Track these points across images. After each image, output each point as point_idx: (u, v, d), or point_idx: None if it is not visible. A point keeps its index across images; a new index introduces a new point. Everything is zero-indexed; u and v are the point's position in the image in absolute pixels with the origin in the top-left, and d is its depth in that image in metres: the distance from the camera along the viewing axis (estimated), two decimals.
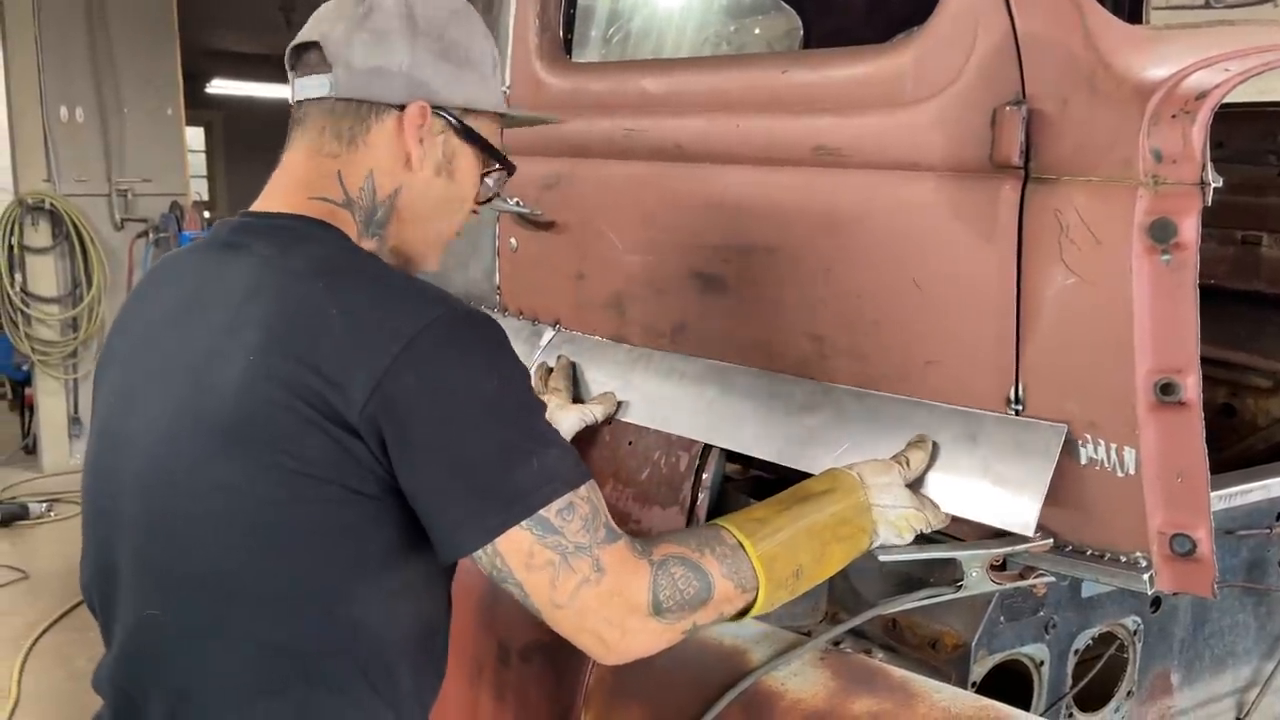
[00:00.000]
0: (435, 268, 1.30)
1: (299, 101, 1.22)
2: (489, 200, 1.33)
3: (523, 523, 1.04)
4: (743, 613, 1.18)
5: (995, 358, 1.26)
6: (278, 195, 1.21)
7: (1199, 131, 1.11)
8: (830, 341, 1.43)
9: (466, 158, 1.25)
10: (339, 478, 1.05)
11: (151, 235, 6.35)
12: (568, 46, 1.96)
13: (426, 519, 1.07)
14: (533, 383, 1.79)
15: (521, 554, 1.05)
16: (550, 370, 1.79)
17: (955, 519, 1.28)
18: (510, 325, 1.97)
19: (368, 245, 1.21)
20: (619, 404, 1.67)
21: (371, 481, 1.06)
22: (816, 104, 1.41)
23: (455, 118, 1.22)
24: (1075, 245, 1.18)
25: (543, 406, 1.16)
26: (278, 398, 1.05)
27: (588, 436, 1.67)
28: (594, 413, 1.66)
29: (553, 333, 1.88)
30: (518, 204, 1.89)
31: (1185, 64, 1.15)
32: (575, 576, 1.06)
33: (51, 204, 6.04)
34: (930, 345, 1.33)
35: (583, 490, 1.08)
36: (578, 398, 1.75)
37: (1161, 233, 1.13)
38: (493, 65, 1.27)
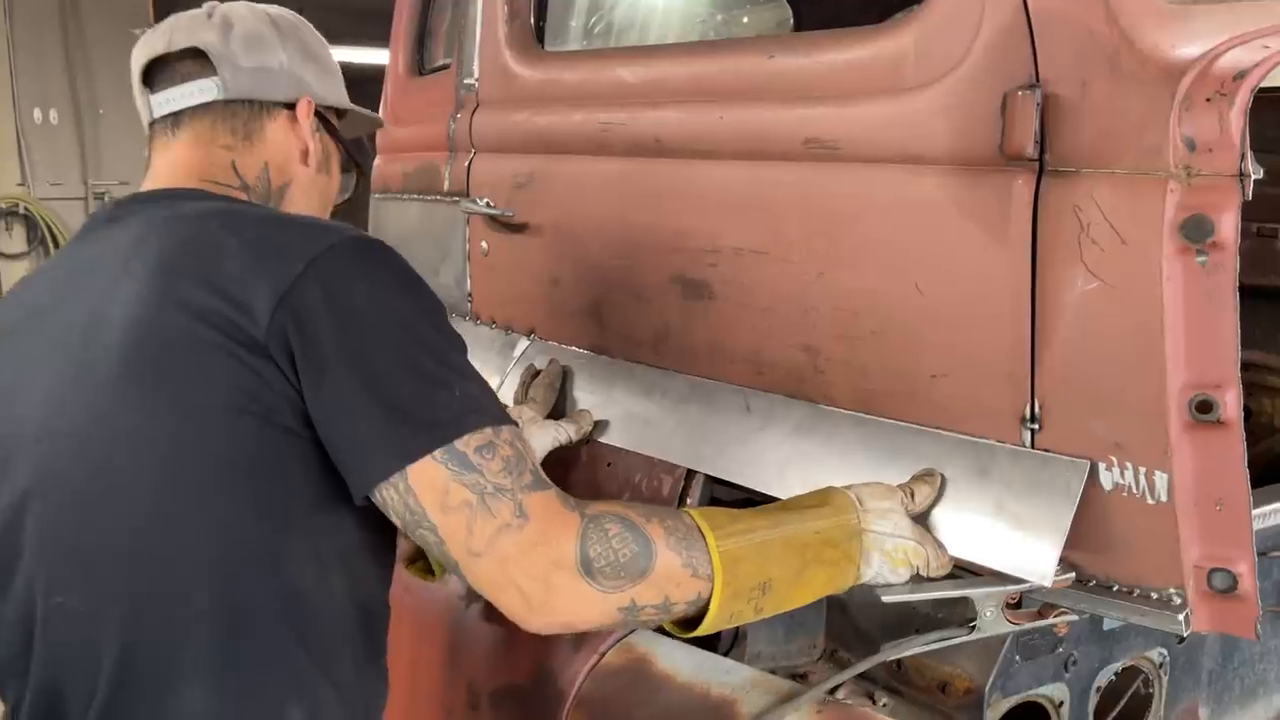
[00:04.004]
0: None
1: (171, 114, 1.21)
2: (344, 201, 1.38)
3: (436, 454, 0.96)
4: (693, 622, 1.05)
5: (1008, 371, 1.14)
6: (164, 180, 1.19)
7: (1237, 116, 0.99)
8: (825, 353, 1.30)
9: (336, 155, 1.31)
10: (251, 407, 0.98)
11: None
12: (540, 35, 1.83)
13: (336, 446, 0.99)
14: (512, 389, 1.67)
15: (436, 491, 0.97)
16: (536, 374, 1.65)
17: (961, 563, 1.15)
18: (482, 334, 1.85)
19: None
20: (596, 423, 1.54)
21: (286, 410, 0.99)
22: (807, 92, 1.29)
23: (327, 117, 1.28)
24: (1097, 245, 1.06)
25: (463, 343, 1.07)
26: (175, 322, 0.99)
27: (563, 457, 1.54)
28: (568, 432, 1.53)
29: (527, 343, 1.75)
30: (488, 205, 1.76)
31: (1219, 41, 1.04)
32: (494, 521, 0.97)
33: (26, 208, 5.91)
34: (936, 357, 1.20)
35: (505, 433, 1.01)
36: (560, 412, 1.61)
37: (1196, 231, 1.00)
38: (338, 67, 1.33)
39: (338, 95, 1.31)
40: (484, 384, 1.04)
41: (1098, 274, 1.06)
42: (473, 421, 0.98)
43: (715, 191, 1.41)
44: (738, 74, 1.38)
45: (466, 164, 1.84)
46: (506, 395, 1.69)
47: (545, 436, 1.52)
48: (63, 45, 5.93)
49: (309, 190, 1.27)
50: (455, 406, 0.99)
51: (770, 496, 1.30)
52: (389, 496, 0.98)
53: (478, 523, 0.96)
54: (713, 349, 1.44)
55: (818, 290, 1.30)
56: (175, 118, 1.20)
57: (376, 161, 2.22)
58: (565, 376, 1.63)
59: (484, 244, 1.82)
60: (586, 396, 1.60)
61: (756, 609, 1.07)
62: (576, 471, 1.54)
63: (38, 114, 5.91)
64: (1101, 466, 1.09)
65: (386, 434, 0.97)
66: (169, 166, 1.20)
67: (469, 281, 1.88)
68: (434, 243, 1.98)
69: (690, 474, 1.41)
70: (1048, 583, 1.09)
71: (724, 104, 1.38)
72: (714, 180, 1.41)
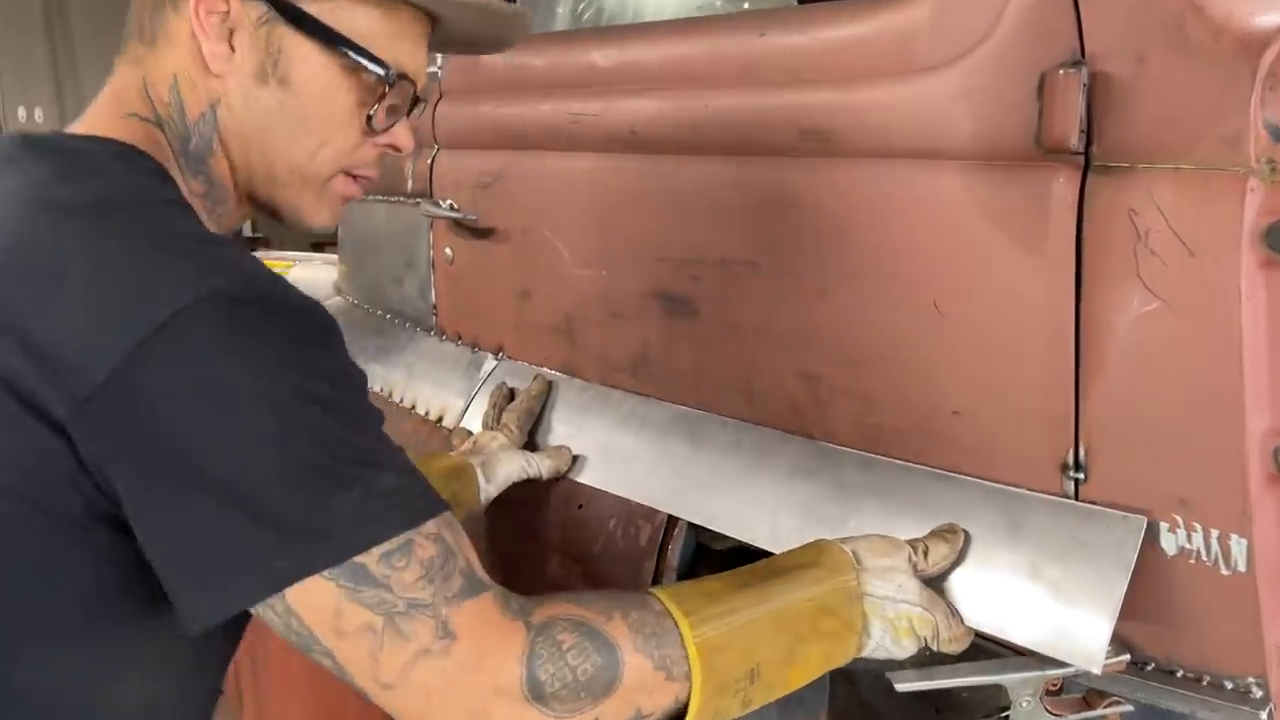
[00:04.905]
0: (322, 223, 0.96)
1: None
2: (386, 126, 0.94)
3: (326, 572, 0.73)
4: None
5: (1047, 408, 0.94)
6: (91, 116, 0.91)
7: None
8: (827, 382, 1.11)
9: (310, 57, 0.89)
10: (22, 489, 0.75)
11: None
12: None
13: (167, 564, 0.75)
14: (483, 410, 1.48)
15: (325, 613, 0.74)
16: (512, 394, 1.46)
17: (984, 636, 0.96)
18: (447, 351, 1.66)
19: (194, 188, 0.91)
20: (574, 459, 1.35)
21: (75, 502, 0.75)
22: (804, 75, 1.10)
23: (300, 8, 0.88)
24: (1158, 258, 0.86)
25: (379, 417, 0.82)
26: None
27: (529, 494, 1.35)
28: (540, 466, 1.34)
29: (494, 362, 1.56)
30: (450, 207, 1.57)
31: None
32: (408, 646, 0.75)
33: None
34: (958, 390, 1.01)
35: (429, 527, 0.77)
36: (533, 444, 1.42)
37: None
38: None
39: None
40: (401, 467, 0.79)
41: (1158, 293, 0.87)
42: (376, 530, 0.75)
43: (698, 191, 1.22)
44: (723, 55, 1.18)
45: (429, 161, 1.65)
46: (474, 420, 1.50)
47: (512, 464, 1.33)
48: (48, 43, 5.77)
49: (248, 111, 0.90)
50: (359, 509, 0.75)
51: (762, 550, 1.11)
52: (265, 615, 0.76)
53: (385, 650, 0.75)
54: (698, 375, 1.25)
55: (818, 308, 1.11)
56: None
57: None
58: (551, 392, 1.44)
59: (448, 250, 1.64)
60: (558, 425, 1.41)
61: (745, 702, 0.87)
62: (544, 513, 1.35)
63: (22, 113, 5.74)
64: (1163, 527, 0.89)
65: (250, 551, 0.73)
66: (103, 94, 0.92)
67: (433, 292, 1.69)
68: (398, 248, 1.79)
69: (672, 520, 1.22)
70: (1097, 668, 0.90)
71: (708, 90, 1.18)
72: (697, 178, 1.22)
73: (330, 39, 0.89)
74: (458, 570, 0.77)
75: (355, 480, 0.75)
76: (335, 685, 0.79)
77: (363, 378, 0.82)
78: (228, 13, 0.88)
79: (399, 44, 0.92)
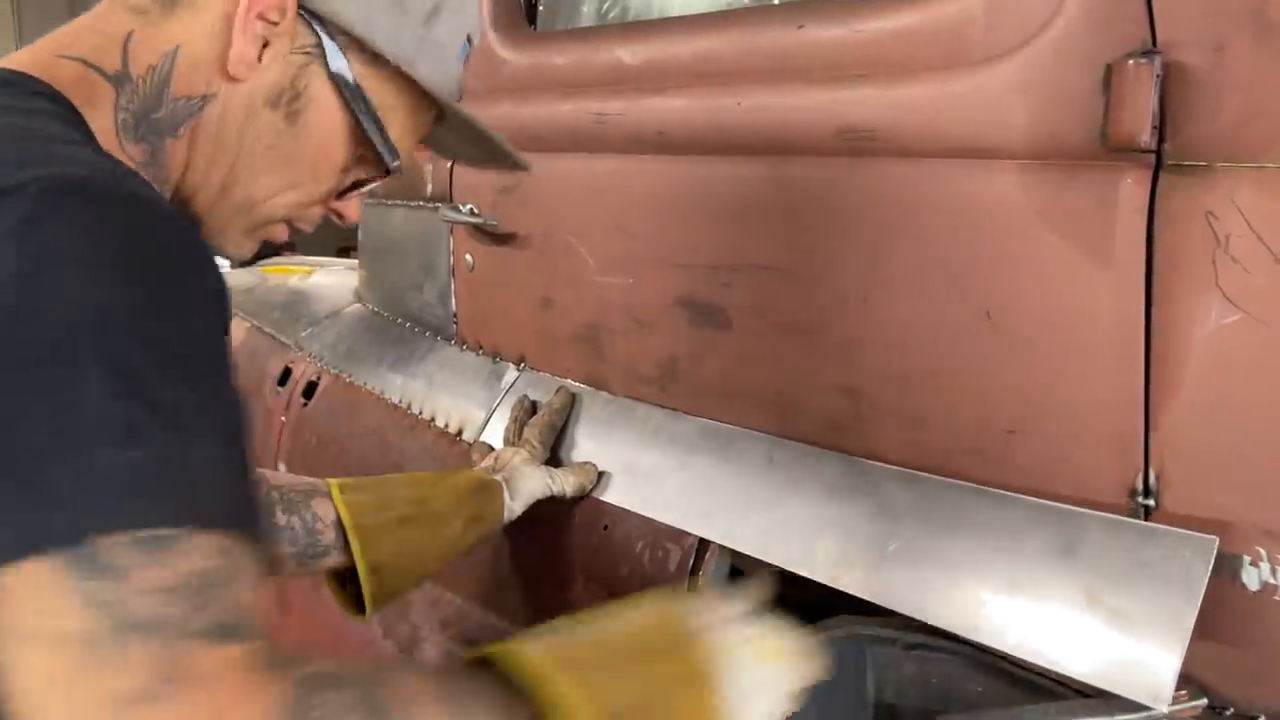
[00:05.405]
0: (237, 256, 0.89)
1: None
2: (344, 193, 0.91)
3: (55, 555, 0.55)
4: None
5: (1114, 430, 0.87)
6: (25, 50, 0.79)
7: None
8: (869, 398, 1.04)
9: (331, 111, 0.84)
10: None
11: None
12: (531, 13, 1.57)
13: None
14: (504, 423, 1.42)
15: (25, 609, 0.55)
16: (534, 408, 1.40)
17: (1036, 670, 0.88)
18: (468, 361, 1.60)
19: (131, 152, 0.78)
20: (599, 475, 1.28)
21: None
22: (844, 70, 1.02)
23: (334, 44, 0.83)
24: (1240, 265, 0.79)
25: (223, 366, 0.65)
26: None
27: (552, 514, 1.28)
28: (564, 484, 1.27)
29: (516, 373, 1.49)
30: (471, 212, 1.51)
31: None
32: (122, 679, 0.54)
33: None
34: (1014, 407, 0.93)
35: (219, 537, 0.58)
36: (556, 459, 1.35)
37: None
38: (426, 13, 0.87)
39: (385, 23, 0.83)
40: (226, 452, 0.61)
41: (1240, 303, 0.79)
42: (142, 507, 0.56)
43: (730, 194, 1.15)
44: (757, 50, 1.11)
45: (450, 165, 1.59)
46: (495, 433, 1.44)
47: (535, 482, 1.26)
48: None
49: (240, 125, 0.81)
50: (121, 476, 0.56)
51: (797, 575, 1.04)
52: None
53: (80, 680, 0.54)
54: (729, 388, 1.18)
55: (859, 318, 1.04)
56: None
57: None
58: (574, 405, 1.37)
59: (469, 257, 1.57)
60: (582, 440, 1.34)
61: None
62: (568, 534, 1.28)
63: None
64: (1245, 560, 0.82)
65: None
66: (60, 31, 0.81)
67: (453, 300, 1.63)
68: (418, 255, 1.73)
69: (704, 543, 1.15)
70: (1163, 705, 0.82)
71: (741, 87, 1.11)
72: (728, 180, 1.15)
73: (360, 107, 0.85)
74: (226, 605, 0.58)
75: (140, 436, 0.57)
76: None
77: (220, 317, 0.65)
78: (276, 24, 0.80)
79: (407, 136, 0.90)
